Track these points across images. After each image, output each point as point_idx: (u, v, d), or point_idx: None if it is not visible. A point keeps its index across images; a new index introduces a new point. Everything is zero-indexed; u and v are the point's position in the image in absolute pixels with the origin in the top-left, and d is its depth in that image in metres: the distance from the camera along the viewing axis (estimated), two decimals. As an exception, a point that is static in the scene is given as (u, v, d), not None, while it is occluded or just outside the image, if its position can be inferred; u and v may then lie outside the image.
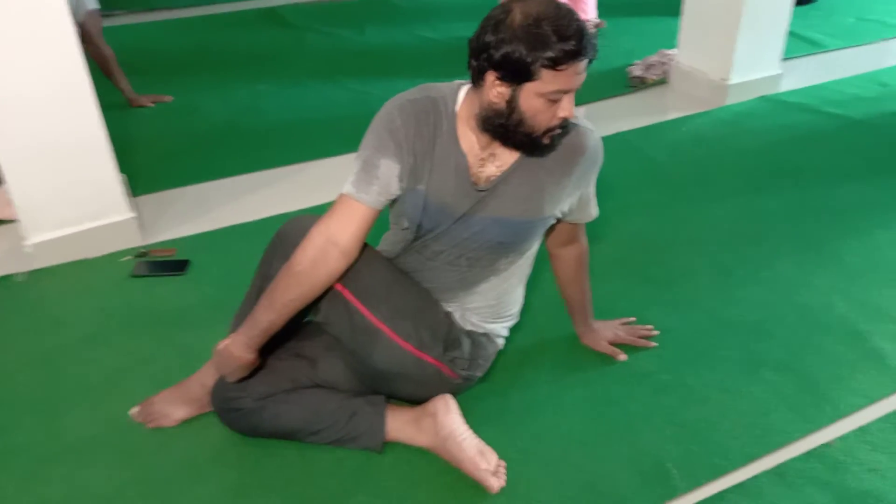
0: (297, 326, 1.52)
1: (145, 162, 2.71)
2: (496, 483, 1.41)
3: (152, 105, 3.20)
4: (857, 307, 1.91)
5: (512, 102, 1.26)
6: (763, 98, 3.12)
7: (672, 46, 3.37)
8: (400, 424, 1.50)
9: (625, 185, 2.46)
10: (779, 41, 3.09)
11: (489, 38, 1.23)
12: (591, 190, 1.52)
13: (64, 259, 2.15)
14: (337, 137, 2.90)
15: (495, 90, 1.26)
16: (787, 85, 3.20)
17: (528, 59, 1.20)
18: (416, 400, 1.54)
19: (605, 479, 1.45)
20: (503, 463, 1.46)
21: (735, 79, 3.05)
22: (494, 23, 1.23)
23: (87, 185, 2.13)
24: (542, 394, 1.66)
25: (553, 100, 1.25)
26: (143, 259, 2.16)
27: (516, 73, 1.22)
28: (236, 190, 2.56)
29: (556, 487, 1.44)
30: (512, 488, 1.42)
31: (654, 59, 3.34)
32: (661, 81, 3.31)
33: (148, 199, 2.46)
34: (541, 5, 1.22)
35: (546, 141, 1.32)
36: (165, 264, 2.14)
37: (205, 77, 3.55)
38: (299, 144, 2.87)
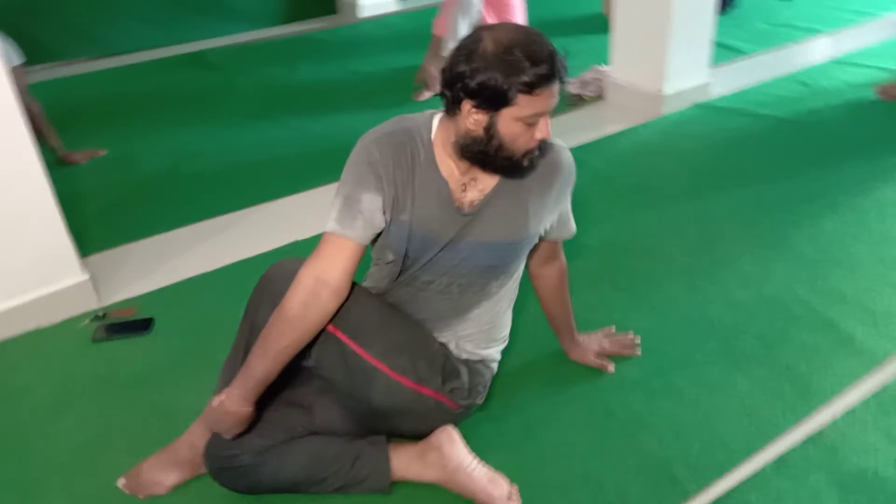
0: (288, 374, 1.47)
1: (89, 220, 2.60)
2: (512, 509, 1.40)
3: (86, 161, 3.08)
4: (819, 295, 2.00)
5: (490, 129, 1.27)
6: (697, 105, 3.25)
7: (603, 62, 3.48)
8: (405, 462, 1.47)
9: (580, 200, 2.46)
10: (706, 50, 3.23)
11: (463, 68, 1.24)
12: (569, 206, 1.55)
13: (18, 331, 2.02)
14: (284, 177, 2.86)
15: (472, 118, 1.27)
16: (716, 91, 3.35)
17: (505, 86, 1.21)
18: (417, 435, 1.50)
19: (616, 490, 1.46)
20: (515, 487, 1.44)
21: (669, 89, 3.16)
22: (467, 53, 1.24)
23: (36, 249, 2.02)
24: (539, 413, 1.66)
25: (530, 123, 1.27)
26: (103, 322, 2.06)
27: (493, 101, 1.24)
28: (189, 240, 2.48)
29: (571, 503, 1.43)
30: (527, 511, 1.41)
31: (588, 75, 3.43)
32: (598, 98, 3.40)
33: (98, 259, 2.35)
34: (510, 32, 1.24)
35: (526, 163, 1.34)
36: (128, 325, 2.04)
37: (136, 127, 3.44)
38: (246, 187, 2.81)
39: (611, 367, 1.75)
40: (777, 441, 1.53)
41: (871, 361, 1.74)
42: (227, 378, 1.42)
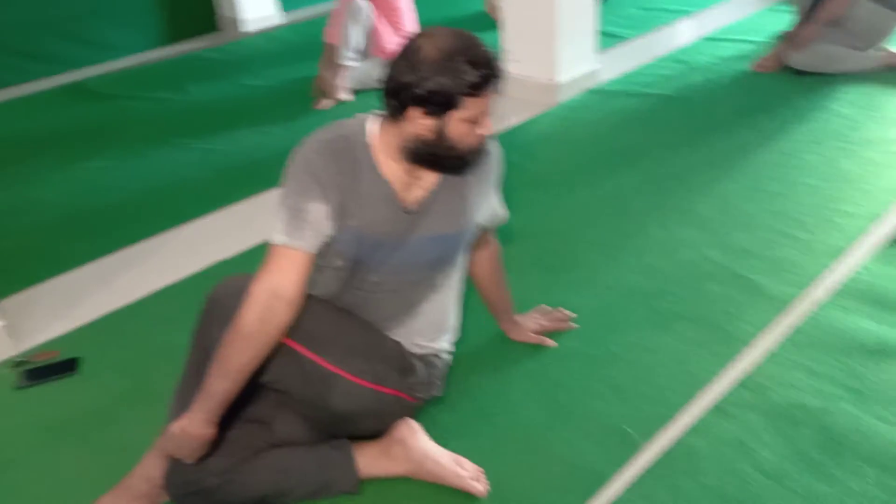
0: (245, 392, 1.46)
1: (-9, 266, 2.46)
2: (482, 487, 1.45)
3: (-26, 206, 2.90)
4: (725, 252, 2.17)
5: (440, 132, 1.33)
6: (589, 91, 3.42)
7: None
8: (370, 459, 1.49)
9: (496, 190, 2.60)
10: (591, 38, 3.40)
11: (409, 77, 1.28)
12: (499, 192, 1.62)
13: (-71, 390, 1.90)
14: (194, 199, 2.80)
15: (420, 123, 1.32)
16: (605, 76, 3.53)
17: (452, 92, 1.28)
18: (378, 434, 1.53)
19: (574, 454, 1.54)
20: (480, 468, 1.50)
21: (562, 79, 3.31)
22: (409, 63, 1.29)
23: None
24: (490, 395, 1.72)
25: (475, 121, 1.34)
26: (24, 367, 1.96)
27: (441, 106, 1.30)
28: (104, 273, 2.38)
29: (535, 474, 1.51)
30: (496, 487, 1.47)
31: (483, 71, 3.53)
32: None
33: (10, 303, 2.23)
34: (447, 38, 1.30)
35: (472, 158, 1.40)
36: (52, 368, 1.95)
37: (26, 167, 3.23)
38: (157, 214, 2.73)
39: (550, 342, 1.84)
40: (710, 387, 1.68)
41: (780, 305, 1.91)
42: (181, 404, 1.40)
